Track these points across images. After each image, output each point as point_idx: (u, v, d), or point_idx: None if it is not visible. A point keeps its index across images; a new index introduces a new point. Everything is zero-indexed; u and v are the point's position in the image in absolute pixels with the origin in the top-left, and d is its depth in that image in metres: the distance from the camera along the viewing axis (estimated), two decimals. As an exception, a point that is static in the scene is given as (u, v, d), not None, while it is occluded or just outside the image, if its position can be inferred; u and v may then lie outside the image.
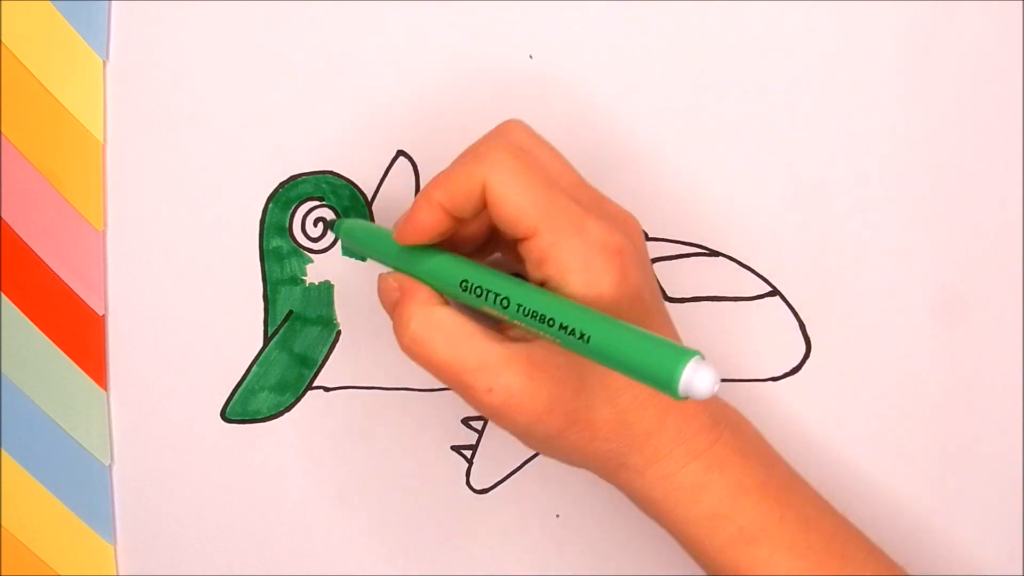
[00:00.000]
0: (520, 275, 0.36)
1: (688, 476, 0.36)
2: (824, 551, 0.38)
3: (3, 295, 0.44)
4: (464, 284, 0.35)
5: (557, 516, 0.46)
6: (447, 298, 0.36)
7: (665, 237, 0.44)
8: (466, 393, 0.34)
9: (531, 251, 0.34)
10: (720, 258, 0.45)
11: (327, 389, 0.45)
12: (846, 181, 0.44)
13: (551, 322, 0.31)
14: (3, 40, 0.42)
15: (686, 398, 0.28)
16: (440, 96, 0.43)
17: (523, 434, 0.35)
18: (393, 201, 0.44)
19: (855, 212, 0.44)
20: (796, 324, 0.45)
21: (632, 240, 0.35)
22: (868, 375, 0.45)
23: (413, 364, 0.45)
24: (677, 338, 0.39)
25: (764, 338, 0.45)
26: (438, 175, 0.36)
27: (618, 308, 0.33)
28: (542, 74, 0.43)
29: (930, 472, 0.46)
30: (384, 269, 0.39)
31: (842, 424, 0.45)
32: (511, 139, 0.36)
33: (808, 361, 0.45)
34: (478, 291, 0.34)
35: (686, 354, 0.28)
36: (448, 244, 0.37)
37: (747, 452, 0.38)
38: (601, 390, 0.35)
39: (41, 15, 0.42)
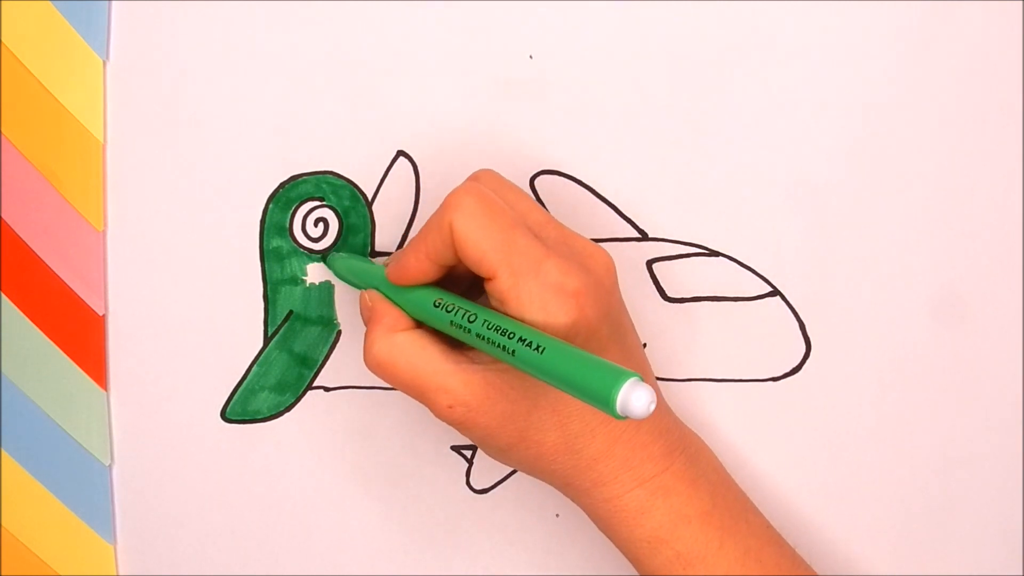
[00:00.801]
0: None
1: (632, 501, 0.39)
2: None
3: (3, 295, 0.44)
4: (437, 302, 0.37)
5: (557, 516, 0.46)
6: (418, 322, 0.39)
7: (665, 237, 0.44)
8: (430, 408, 0.38)
9: (493, 291, 0.37)
10: (720, 258, 0.45)
11: (327, 389, 0.45)
12: (846, 181, 0.44)
13: (511, 335, 0.34)
14: (3, 40, 0.42)
15: (625, 417, 0.30)
16: (440, 96, 0.43)
17: (480, 444, 0.39)
18: (393, 201, 0.44)
19: (855, 212, 0.44)
20: (796, 324, 0.45)
21: (595, 276, 0.37)
22: (868, 375, 0.45)
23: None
24: (643, 367, 0.41)
25: (764, 338, 0.45)
26: (424, 228, 0.38)
27: (572, 341, 0.36)
28: (542, 74, 0.43)
29: (930, 472, 0.46)
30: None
31: (842, 424, 0.45)
32: (476, 185, 0.38)
33: (808, 361, 0.45)
34: (449, 307, 0.37)
35: (624, 375, 0.30)
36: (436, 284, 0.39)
37: (697, 481, 0.40)
38: (551, 415, 0.38)
39: (41, 15, 0.42)
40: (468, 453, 0.46)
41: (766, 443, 0.45)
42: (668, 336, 0.45)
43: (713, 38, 0.43)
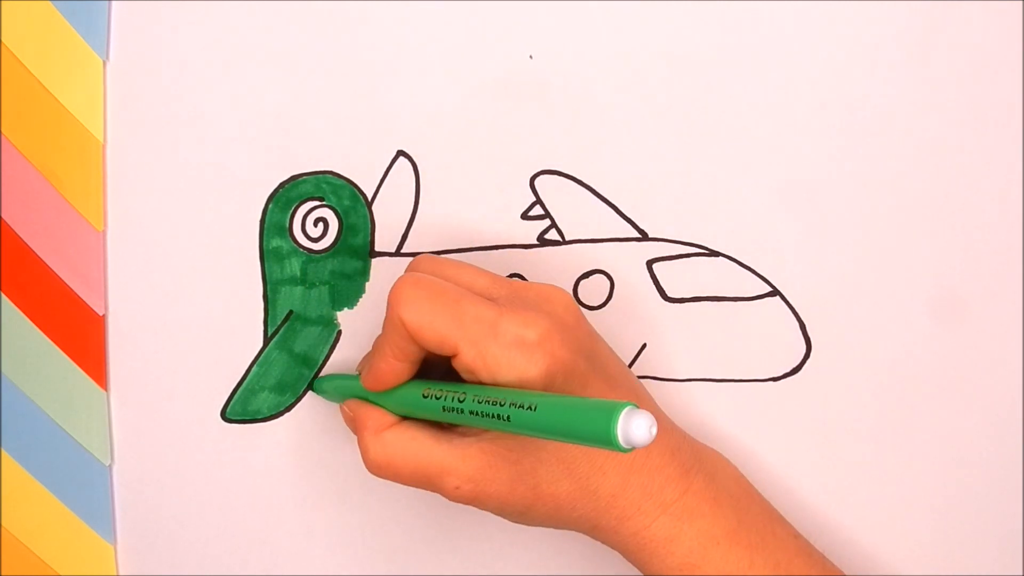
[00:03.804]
0: None
1: (660, 529, 0.38)
2: None
3: (3, 295, 0.44)
4: (426, 393, 0.37)
5: (557, 516, 0.46)
6: (399, 416, 0.39)
7: (665, 237, 0.45)
8: (439, 492, 0.38)
9: (461, 366, 0.37)
10: (720, 258, 0.45)
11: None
12: (846, 181, 0.44)
13: (502, 402, 0.33)
14: (3, 40, 0.42)
15: (631, 448, 0.29)
16: (440, 96, 0.43)
17: (500, 514, 0.39)
18: (393, 201, 0.44)
19: (855, 212, 0.44)
20: (796, 324, 0.45)
21: (555, 317, 0.37)
22: (868, 375, 0.45)
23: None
24: (634, 390, 0.41)
25: (764, 338, 0.45)
26: (383, 331, 0.39)
27: (552, 387, 0.36)
28: (542, 74, 0.43)
29: (930, 472, 0.46)
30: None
31: (842, 424, 0.45)
32: (415, 274, 0.38)
33: (808, 361, 0.45)
34: (438, 394, 0.36)
35: (616, 408, 0.29)
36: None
37: (719, 499, 0.39)
38: (557, 463, 0.37)
39: (41, 15, 0.42)
40: (468, 453, 0.46)
41: (766, 444, 0.45)
42: (668, 336, 0.45)
43: (712, 38, 0.43)
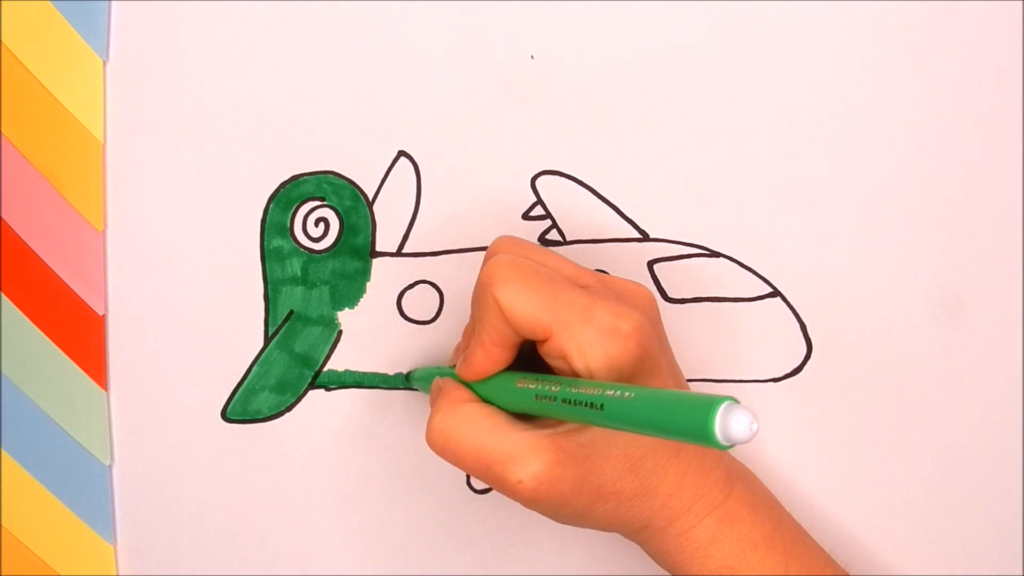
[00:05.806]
0: None
1: (703, 531, 0.38)
2: None
3: (3, 295, 0.44)
4: (520, 383, 0.36)
5: (557, 516, 0.46)
6: (480, 398, 0.38)
7: (665, 237, 0.45)
8: (496, 484, 0.36)
9: (551, 350, 0.36)
10: (721, 259, 0.45)
11: (328, 389, 0.45)
12: (847, 182, 0.44)
13: (597, 391, 0.33)
14: (3, 40, 0.42)
15: (731, 445, 0.28)
16: (441, 96, 0.43)
17: (554, 513, 0.37)
18: (394, 201, 0.44)
19: (855, 213, 0.44)
20: (797, 325, 0.45)
21: (644, 312, 0.37)
22: (869, 376, 0.45)
23: (414, 362, 0.45)
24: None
25: (765, 339, 0.45)
26: (475, 315, 0.38)
27: (637, 378, 0.36)
28: (543, 74, 0.43)
29: (930, 472, 0.46)
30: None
31: (843, 425, 0.45)
32: (506, 255, 0.37)
33: (809, 362, 0.45)
34: (531, 384, 0.36)
35: (717, 401, 0.28)
36: None
37: (757, 506, 0.39)
38: (624, 460, 0.37)
39: (41, 15, 0.42)
40: (469, 453, 0.46)
41: (767, 444, 0.45)
42: (669, 336, 0.45)
43: (713, 38, 0.43)
